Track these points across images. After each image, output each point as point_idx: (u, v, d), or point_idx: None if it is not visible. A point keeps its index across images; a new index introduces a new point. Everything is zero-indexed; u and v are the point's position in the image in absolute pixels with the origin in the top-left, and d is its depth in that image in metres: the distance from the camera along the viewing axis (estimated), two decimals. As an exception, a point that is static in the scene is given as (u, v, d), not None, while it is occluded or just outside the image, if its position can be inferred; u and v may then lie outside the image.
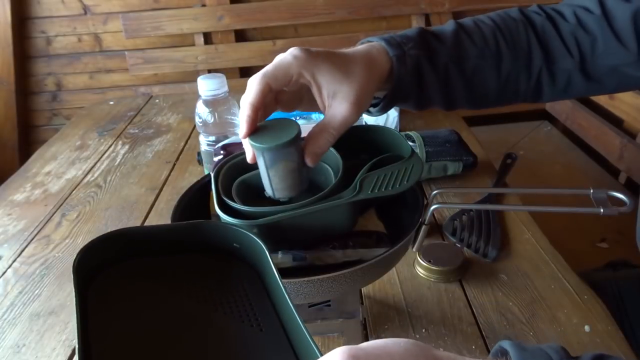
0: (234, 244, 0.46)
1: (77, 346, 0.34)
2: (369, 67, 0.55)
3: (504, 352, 0.34)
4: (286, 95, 0.55)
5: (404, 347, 0.30)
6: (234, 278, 0.44)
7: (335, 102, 0.53)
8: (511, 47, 0.62)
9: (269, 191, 0.52)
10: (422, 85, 0.60)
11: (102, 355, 0.36)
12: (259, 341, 0.39)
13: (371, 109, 0.62)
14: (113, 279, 0.43)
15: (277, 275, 0.40)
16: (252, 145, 0.50)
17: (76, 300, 0.36)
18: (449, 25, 0.63)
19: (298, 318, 0.36)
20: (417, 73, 0.59)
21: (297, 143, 0.50)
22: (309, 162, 0.51)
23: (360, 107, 0.54)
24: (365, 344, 0.30)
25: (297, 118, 1.07)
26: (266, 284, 0.43)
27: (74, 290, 0.38)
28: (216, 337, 0.39)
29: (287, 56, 0.53)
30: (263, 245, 0.43)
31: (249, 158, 0.52)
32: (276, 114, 0.56)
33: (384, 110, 0.61)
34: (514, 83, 0.63)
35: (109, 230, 0.43)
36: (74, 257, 0.40)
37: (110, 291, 0.42)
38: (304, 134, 0.60)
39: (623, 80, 0.63)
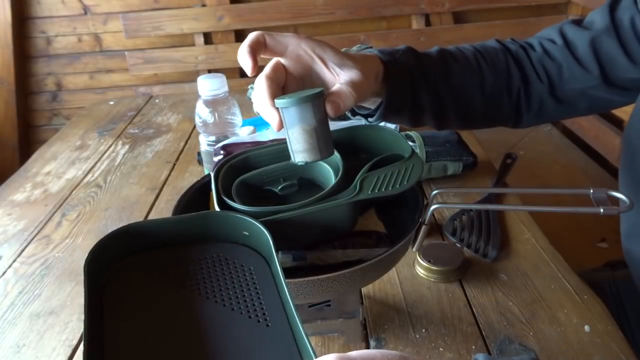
0: (243, 232, 0.46)
1: (84, 346, 0.34)
2: (364, 60, 0.57)
3: None
4: (294, 72, 0.56)
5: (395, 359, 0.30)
6: (243, 268, 0.44)
7: (344, 72, 0.54)
8: (492, 68, 0.67)
9: (291, 156, 0.52)
10: (415, 95, 0.63)
11: (116, 352, 0.37)
12: (265, 337, 0.39)
13: (369, 118, 0.64)
14: (123, 276, 0.43)
15: (279, 270, 0.40)
16: (277, 104, 0.50)
17: (86, 301, 0.36)
18: (432, 49, 0.68)
19: (296, 315, 0.36)
20: (410, 82, 0.62)
21: (319, 101, 0.50)
22: (330, 111, 0.51)
23: (368, 80, 0.55)
24: (354, 353, 0.30)
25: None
26: (274, 275, 0.44)
27: (84, 290, 0.38)
28: (223, 333, 0.39)
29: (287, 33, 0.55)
30: (268, 236, 0.43)
31: (275, 126, 0.52)
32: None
33: (379, 119, 0.63)
34: (497, 103, 0.68)
35: (109, 231, 0.43)
36: (85, 258, 0.40)
37: (121, 287, 0.42)
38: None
39: (593, 102, 0.68)
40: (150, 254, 0.45)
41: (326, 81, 0.56)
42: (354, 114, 0.67)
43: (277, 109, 0.51)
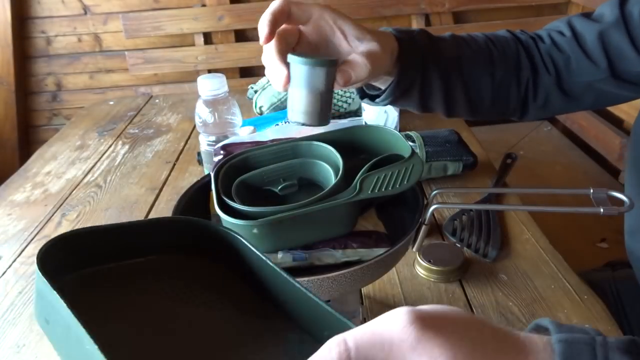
0: (196, 238, 0.42)
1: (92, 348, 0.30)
2: (381, 36, 0.58)
3: (539, 328, 0.34)
4: (309, 37, 0.56)
5: (463, 314, 0.30)
6: (200, 273, 0.42)
7: (363, 44, 0.55)
8: (502, 57, 0.66)
9: (294, 116, 0.52)
10: (426, 76, 0.62)
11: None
12: (253, 325, 0.38)
13: (377, 99, 0.64)
14: (75, 289, 0.37)
15: (264, 258, 0.39)
16: (290, 59, 0.50)
17: (67, 305, 0.31)
18: (445, 34, 0.67)
19: (309, 293, 0.35)
20: (422, 62, 0.62)
21: (332, 69, 0.51)
22: (340, 79, 0.52)
23: (385, 54, 0.56)
24: (425, 307, 0.30)
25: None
26: (241, 269, 0.41)
27: (57, 295, 0.32)
28: (207, 331, 0.38)
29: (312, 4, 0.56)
30: (235, 234, 0.41)
31: (281, 81, 0.52)
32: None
33: (389, 98, 0.62)
34: (506, 92, 0.67)
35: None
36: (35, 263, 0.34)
37: (77, 302, 0.34)
38: (303, 134, 0.60)
39: (600, 96, 0.67)
40: (101, 266, 0.40)
41: (342, 53, 0.56)
42: (363, 95, 0.66)
43: (286, 65, 0.51)
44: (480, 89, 0.66)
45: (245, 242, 0.40)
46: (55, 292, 0.31)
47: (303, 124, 0.52)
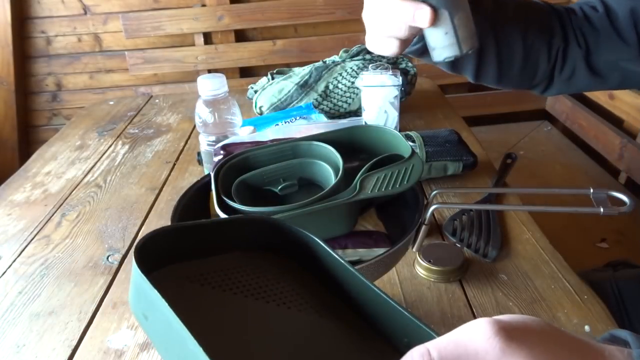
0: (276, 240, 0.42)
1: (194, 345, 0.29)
2: None
3: (615, 340, 0.33)
4: None
5: (543, 325, 0.30)
6: (279, 272, 0.42)
7: None
8: (536, 20, 0.65)
9: (452, 50, 0.49)
10: None
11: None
12: (331, 327, 0.38)
13: (414, 47, 0.61)
14: (161, 284, 0.37)
15: (342, 262, 0.38)
16: None
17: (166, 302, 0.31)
18: None
19: (388, 299, 0.35)
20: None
21: None
22: None
23: None
24: (505, 317, 0.29)
25: (297, 118, 1.07)
26: (316, 270, 0.41)
27: (156, 292, 0.32)
28: (292, 332, 0.38)
29: None
30: (312, 236, 0.40)
31: (428, 18, 0.47)
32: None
33: (422, 41, 0.58)
34: (535, 58, 0.66)
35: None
36: (133, 253, 0.34)
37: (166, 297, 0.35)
38: (303, 134, 0.60)
39: (626, 76, 0.66)
40: (182, 263, 0.40)
41: None
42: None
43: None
44: (511, 51, 0.64)
45: (322, 244, 0.39)
46: (155, 290, 0.31)
47: (468, 52, 0.48)
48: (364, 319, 0.38)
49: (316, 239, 0.39)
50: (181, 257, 0.40)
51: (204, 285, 0.39)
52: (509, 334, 0.28)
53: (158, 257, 0.38)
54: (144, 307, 0.33)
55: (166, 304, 0.30)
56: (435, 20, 0.47)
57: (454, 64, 0.65)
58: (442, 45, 0.49)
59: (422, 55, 0.62)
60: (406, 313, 0.34)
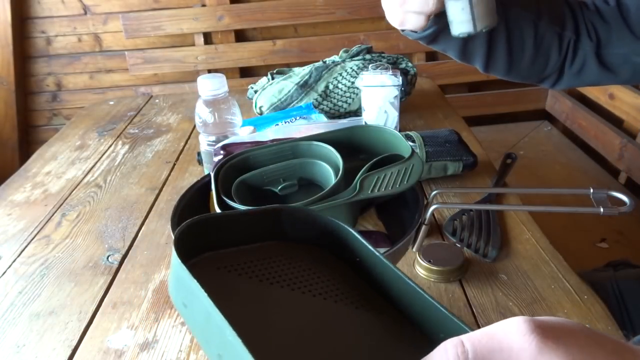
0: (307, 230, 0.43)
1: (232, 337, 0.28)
2: None
3: None
4: None
5: (581, 326, 0.29)
6: (314, 262, 0.42)
7: None
8: (548, 10, 0.64)
9: (467, 27, 0.50)
10: None
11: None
12: (368, 319, 0.38)
13: (424, 30, 0.61)
14: (199, 273, 0.37)
15: (374, 252, 0.38)
16: None
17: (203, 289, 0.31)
18: None
19: (425, 294, 0.35)
20: None
21: None
22: None
23: None
24: (542, 317, 0.29)
25: (297, 118, 1.07)
26: (353, 263, 0.41)
27: (194, 280, 0.32)
28: (329, 323, 0.37)
29: None
30: (347, 227, 0.41)
31: None
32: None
33: (434, 27, 0.59)
34: (546, 50, 0.66)
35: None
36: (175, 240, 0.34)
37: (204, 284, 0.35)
38: (303, 134, 0.60)
39: (636, 70, 0.66)
40: (218, 251, 0.40)
41: None
42: None
43: None
44: (522, 41, 0.64)
45: (357, 236, 0.39)
46: (195, 280, 0.31)
47: (483, 29, 0.49)
48: (400, 312, 0.38)
49: (351, 231, 0.39)
50: (217, 246, 0.40)
51: (241, 274, 0.39)
52: (545, 332, 0.27)
53: (195, 245, 0.38)
54: (183, 296, 0.34)
55: (205, 294, 0.30)
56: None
57: (465, 53, 0.64)
58: (459, 19, 0.50)
59: (433, 42, 0.62)
60: (442, 308, 0.34)
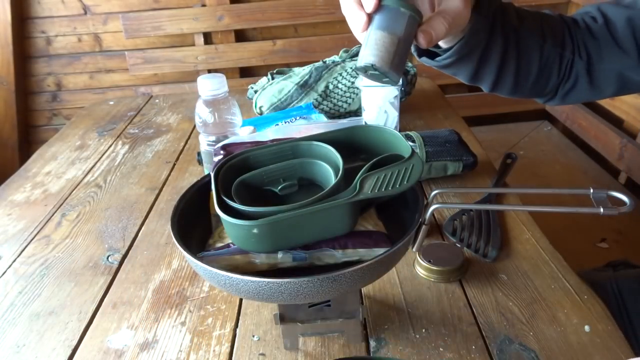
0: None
1: None
2: None
3: None
4: None
5: None
6: None
7: (448, 1, 0.54)
8: (551, 32, 0.66)
9: (361, 58, 0.51)
10: (490, 41, 0.62)
11: None
12: None
13: (437, 58, 0.63)
14: None
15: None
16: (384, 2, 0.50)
17: None
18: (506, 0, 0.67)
19: None
20: (490, 26, 0.61)
21: (415, 20, 0.50)
22: (421, 40, 0.51)
23: (468, 7, 0.55)
24: None
25: (297, 118, 1.07)
26: None
27: None
28: None
29: None
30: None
31: (360, 24, 0.51)
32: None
33: (451, 58, 0.61)
34: (549, 70, 0.67)
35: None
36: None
37: None
38: (303, 134, 0.60)
39: (625, 84, 0.67)
40: None
41: (424, 10, 0.55)
42: (421, 53, 0.65)
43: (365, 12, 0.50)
44: (529, 63, 0.65)
45: None
46: None
47: (372, 65, 0.50)
48: None
49: None
50: None
51: None
52: None
53: None
54: None
55: None
56: (367, 32, 0.51)
57: (475, 76, 0.66)
58: (362, 52, 0.51)
59: (446, 68, 0.64)
60: None
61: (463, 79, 0.67)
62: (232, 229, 0.51)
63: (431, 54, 0.64)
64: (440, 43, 0.62)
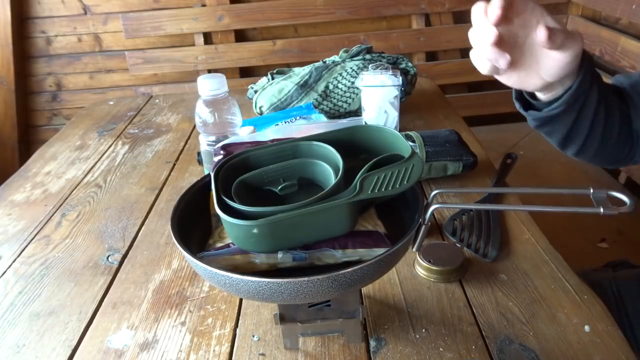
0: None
1: None
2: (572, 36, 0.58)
3: None
4: (515, 28, 0.56)
5: None
6: None
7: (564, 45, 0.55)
8: (619, 96, 0.70)
9: None
10: (588, 97, 0.63)
11: None
12: None
13: (545, 109, 0.64)
14: None
15: None
16: None
17: None
18: None
19: None
20: (589, 81, 0.62)
21: None
22: (541, 33, 0.52)
23: (577, 56, 0.57)
24: None
25: (297, 118, 1.07)
26: None
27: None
28: None
29: None
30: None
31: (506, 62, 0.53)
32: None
33: (562, 106, 0.62)
34: (627, 130, 0.69)
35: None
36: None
37: None
38: (303, 134, 0.60)
39: None
40: None
41: (536, 51, 0.57)
42: (527, 107, 0.67)
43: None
44: (612, 123, 0.67)
45: None
46: None
47: None
48: None
49: None
50: None
51: None
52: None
53: None
54: None
55: None
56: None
57: (569, 132, 0.67)
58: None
59: (543, 125, 0.67)
60: None
61: (555, 139, 0.69)
62: (232, 229, 0.51)
63: (530, 108, 0.66)
64: (540, 95, 0.64)
